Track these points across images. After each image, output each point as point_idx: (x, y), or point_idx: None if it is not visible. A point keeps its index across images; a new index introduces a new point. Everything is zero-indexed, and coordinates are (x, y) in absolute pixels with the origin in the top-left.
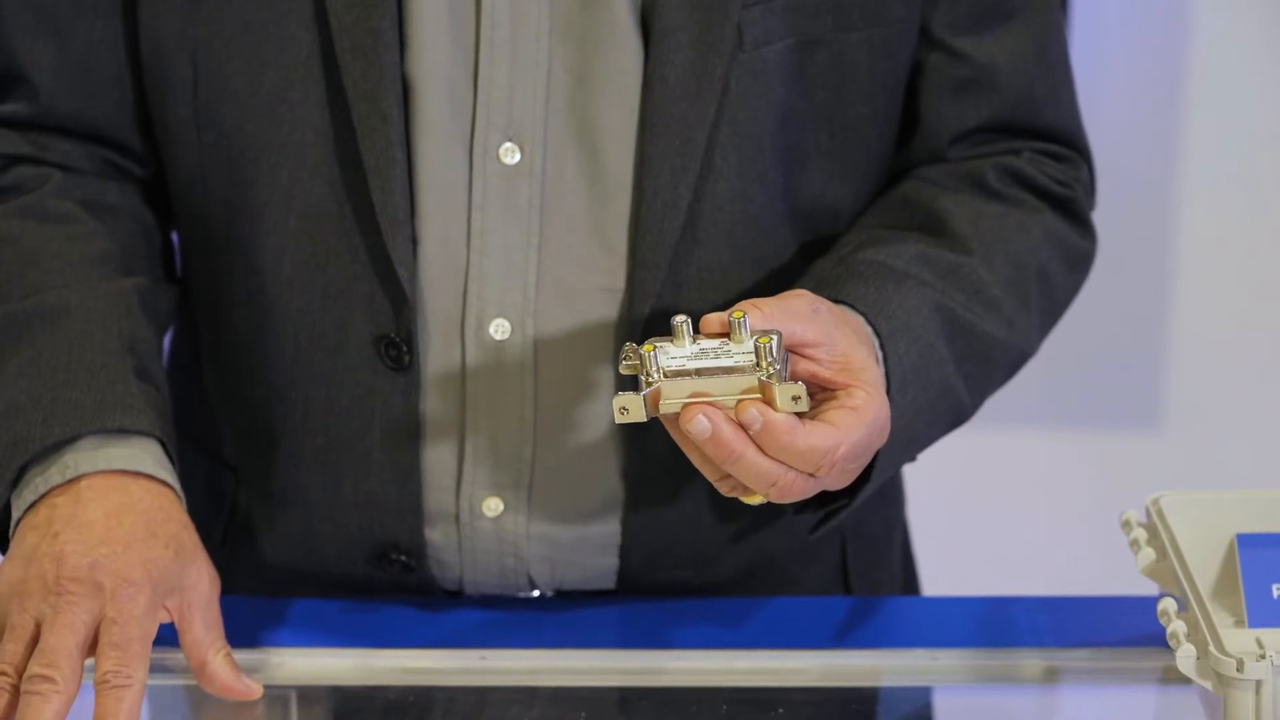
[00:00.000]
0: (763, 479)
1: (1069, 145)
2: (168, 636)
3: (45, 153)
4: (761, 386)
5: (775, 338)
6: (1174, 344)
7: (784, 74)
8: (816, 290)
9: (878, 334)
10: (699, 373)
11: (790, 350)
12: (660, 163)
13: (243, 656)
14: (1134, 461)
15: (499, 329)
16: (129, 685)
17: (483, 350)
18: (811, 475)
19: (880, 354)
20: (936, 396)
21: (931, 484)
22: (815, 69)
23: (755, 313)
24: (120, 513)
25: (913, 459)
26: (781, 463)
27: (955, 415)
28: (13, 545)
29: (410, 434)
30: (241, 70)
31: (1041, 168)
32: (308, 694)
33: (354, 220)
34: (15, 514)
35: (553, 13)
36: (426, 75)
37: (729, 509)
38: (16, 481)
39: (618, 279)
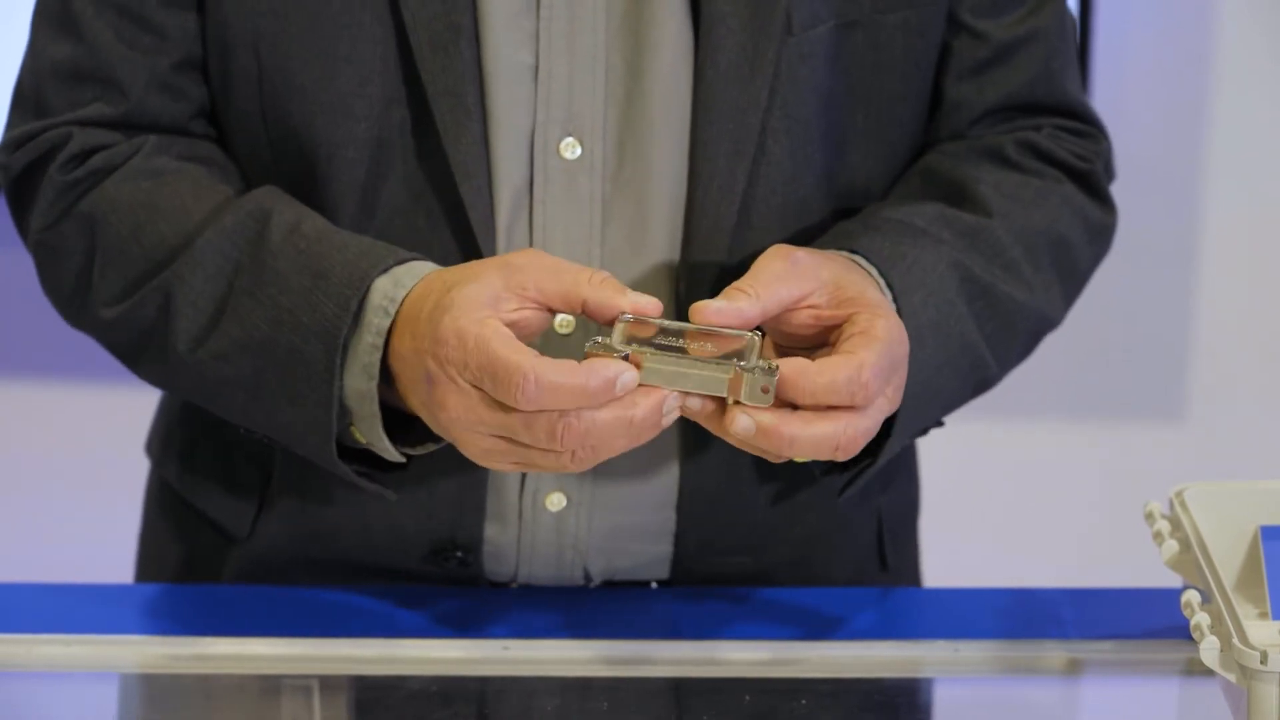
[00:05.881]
0: (825, 444)
1: (1085, 120)
2: (171, 631)
3: (133, 136)
4: (734, 376)
5: (759, 336)
6: (1198, 335)
7: (826, 56)
8: (833, 242)
9: (891, 287)
10: (681, 354)
11: (786, 312)
12: (715, 148)
13: (264, 645)
14: (1157, 452)
15: (564, 323)
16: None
17: (547, 344)
18: (854, 409)
19: (894, 307)
20: (958, 351)
21: (952, 473)
22: (853, 50)
23: (742, 297)
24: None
25: (938, 421)
26: (826, 413)
27: (979, 375)
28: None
29: None
30: (310, 65)
31: (1060, 142)
32: (330, 683)
33: (435, 217)
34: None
35: (609, 3)
36: (493, 70)
37: (783, 492)
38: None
39: (674, 267)
